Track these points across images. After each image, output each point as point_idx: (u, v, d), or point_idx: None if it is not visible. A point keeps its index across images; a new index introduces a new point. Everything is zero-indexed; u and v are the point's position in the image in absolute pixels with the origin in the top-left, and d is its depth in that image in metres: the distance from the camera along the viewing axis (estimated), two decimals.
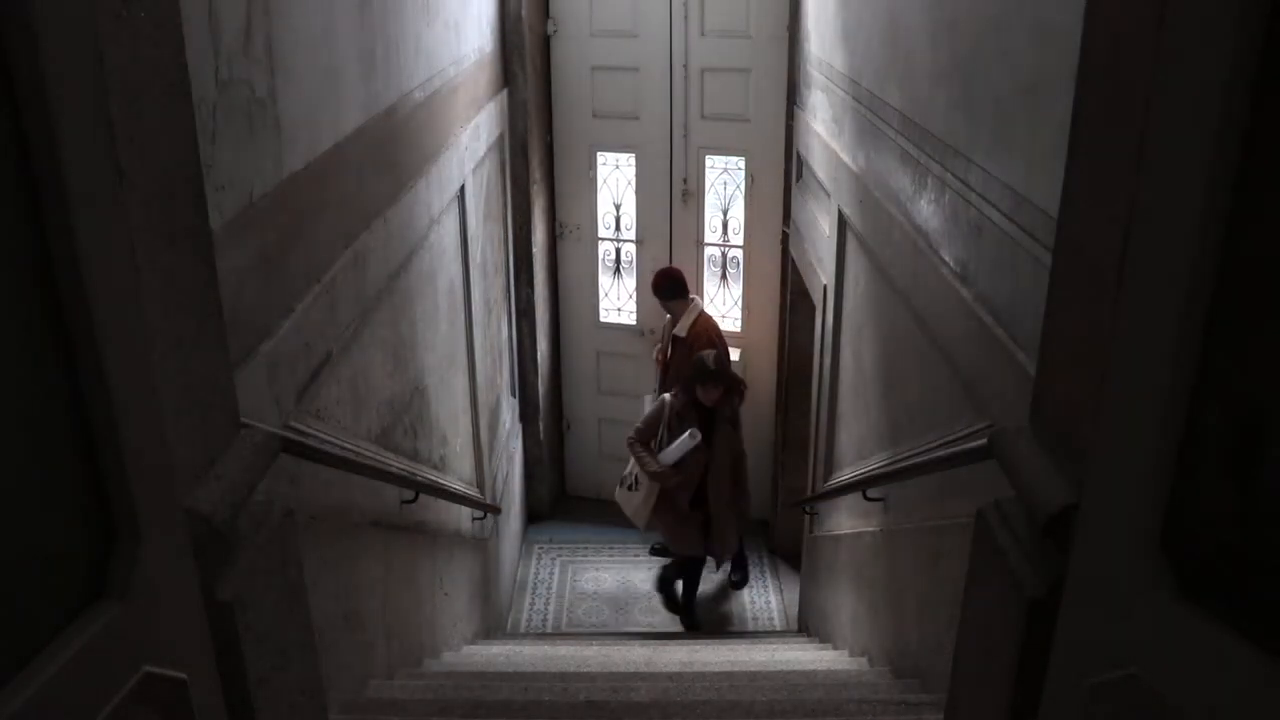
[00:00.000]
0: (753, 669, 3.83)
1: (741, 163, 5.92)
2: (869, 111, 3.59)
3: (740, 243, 6.13)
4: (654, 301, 5.76)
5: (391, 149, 3.06)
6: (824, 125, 4.57)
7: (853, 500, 3.87)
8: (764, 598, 5.96)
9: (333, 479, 2.42)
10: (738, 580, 5.99)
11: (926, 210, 2.85)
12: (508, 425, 5.75)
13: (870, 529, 3.73)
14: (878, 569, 3.61)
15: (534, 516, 6.65)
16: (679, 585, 5.70)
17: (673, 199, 6.09)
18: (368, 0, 2.79)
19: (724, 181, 6.04)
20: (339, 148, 2.50)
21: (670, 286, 5.57)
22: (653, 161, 6.04)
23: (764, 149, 5.74)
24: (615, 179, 6.19)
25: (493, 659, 4.18)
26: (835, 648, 4.39)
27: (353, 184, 2.66)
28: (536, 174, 5.85)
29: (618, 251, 6.36)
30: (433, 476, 3.64)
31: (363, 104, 2.74)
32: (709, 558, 5.39)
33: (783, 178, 5.67)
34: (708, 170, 6.03)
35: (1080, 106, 1.35)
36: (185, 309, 1.36)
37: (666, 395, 4.89)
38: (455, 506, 4.11)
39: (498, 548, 5.29)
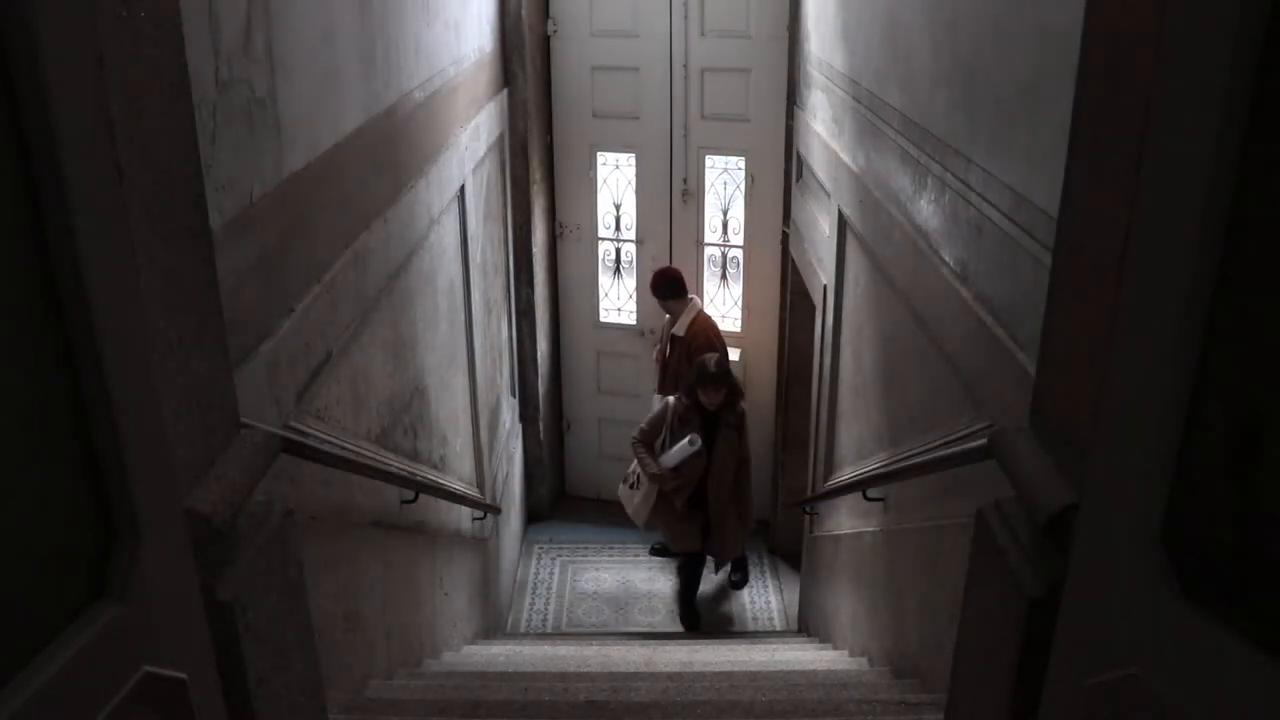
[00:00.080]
0: (753, 669, 3.83)
1: (741, 163, 5.92)
2: (869, 111, 3.59)
3: (740, 243, 6.13)
4: (654, 301, 5.76)
5: (391, 149, 3.06)
6: (824, 125, 4.57)
7: (853, 500, 3.87)
8: (764, 598, 5.96)
9: (333, 479, 2.42)
10: (738, 580, 5.99)
11: (926, 210, 2.85)
12: (508, 425, 5.75)
13: (870, 529, 3.73)
14: (878, 569, 3.61)
15: (534, 516, 6.65)
16: (687, 595, 5.71)
17: (673, 199, 6.09)
18: (368, 0, 2.79)
19: (724, 181, 6.04)
20: (339, 148, 2.51)
21: (669, 286, 5.57)
22: (653, 161, 6.04)
23: (764, 149, 5.73)
24: (615, 179, 6.19)
25: (493, 659, 4.18)
26: (835, 648, 4.39)
27: (353, 184, 2.66)
28: (536, 174, 5.85)
29: (618, 251, 6.36)
30: (433, 476, 3.64)
31: (363, 104, 2.74)
32: (709, 557, 5.39)
33: (783, 178, 5.67)
34: (708, 170, 6.03)
35: (1080, 106, 1.35)
36: (185, 309, 1.36)
37: (670, 398, 4.89)
38: (455, 506, 4.11)
39: (498, 548, 5.29)
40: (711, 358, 4.82)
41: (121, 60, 1.18)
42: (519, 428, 6.20)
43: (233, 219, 1.84)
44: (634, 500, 5.07)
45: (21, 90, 0.88)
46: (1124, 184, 1.14)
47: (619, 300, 6.48)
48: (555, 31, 5.84)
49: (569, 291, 6.51)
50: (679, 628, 5.65)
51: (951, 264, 2.61)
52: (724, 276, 6.28)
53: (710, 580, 5.83)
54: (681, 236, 6.17)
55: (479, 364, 4.58)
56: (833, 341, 4.37)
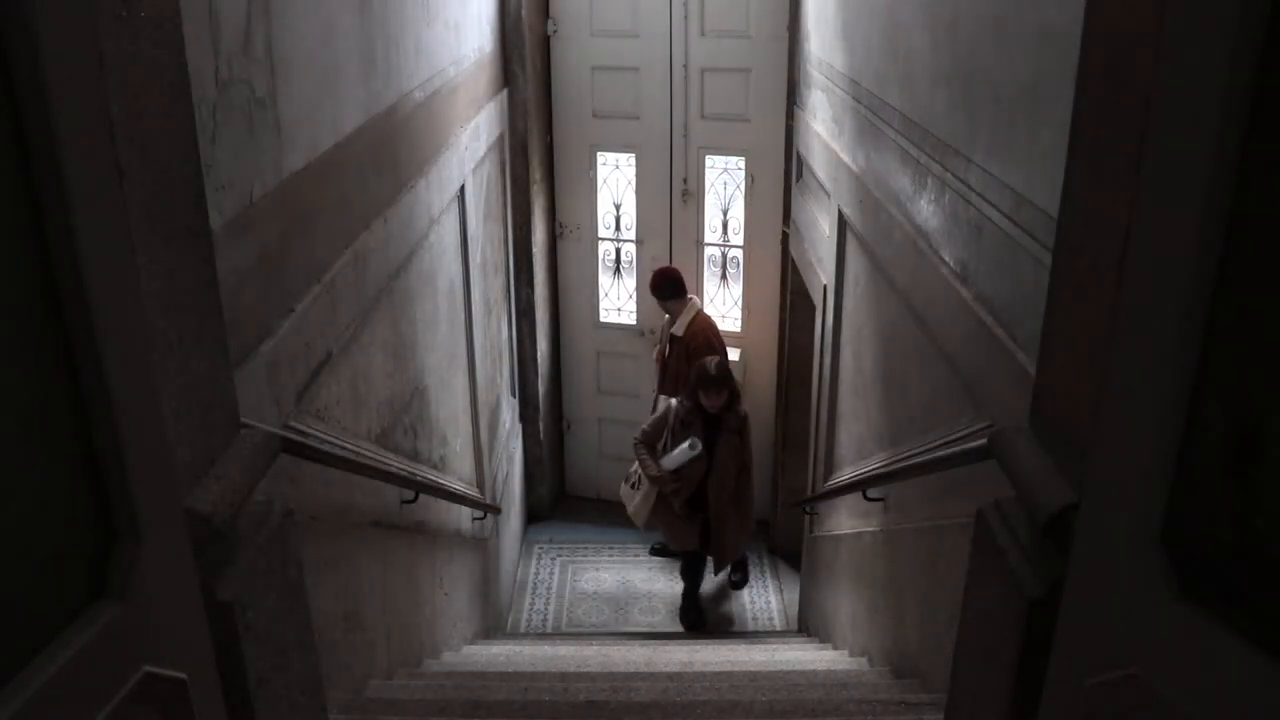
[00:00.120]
0: (753, 669, 3.83)
1: (741, 163, 5.93)
2: (869, 111, 3.59)
3: (740, 243, 6.13)
4: (654, 301, 5.76)
5: (391, 149, 3.06)
6: (824, 125, 4.57)
7: (853, 500, 3.87)
8: (764, 598, 5.96)
9: (333, 479, 2.42)
10: (738, 580, 5.99)
11: (926, 210, 2.85)
12: (508, 425, 5.75)
13: (870, 529, 3.73)
14: (878, 569, 3.61)
15: (534, 516, 6.65)
16: (685, 592, 5.70)
17: (673, 199, 6.09)
18: (368, 0, 2.79)
19: (724, 181, 6.04)
20: (339, 148, 2.51)
21: (668, 286, 5.57)
22: (653, 161, 6.04)
23: (764, 149, 5.74)
24: (615, 179, 6.19)
25: (493, 659, 4.18)
26: (835, 648, 4.39)
27: (353, 184, 2.66)
28: (536, 174, 5.85)
29: (618, 251, 6.36)
30: (433, 476, 3.64)
31: (363, 104, 2.74)
32: (709, 557, 5.38)
33: (783, 178, 5.67)
34: (708, 170, 6.03)
35: (1080, 106, 1.35)
36: (185, 309, 1.36)
37: (673, 401, 4.88)
38: (455, 506, 4.11)
39: (498, 548, 5.29)
40: (712, 361, 4.81)
41: (121, 60, 1.18)
42: (519, 428, 6.20)
43: (233, 219, 1.84)
44: (634, 500, 5.07)
45: (21, 90, 0.88)
46: (1124, 184, 1.14)
47: (619, 300, 6.48)
48: (555, 31, 5.84)
49: (569, 291, 6.52)
50: (679, 628, 5.65)
51: (951, 264, 2.61)
52: (724, 276, 6.28)
53: (710, 580, 5.83)
54: (681, 236, 6.17)
55: (479, 364, 4.58)
56: (833, 341, 4.37)
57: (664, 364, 5.74)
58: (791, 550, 5.97)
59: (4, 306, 0.89)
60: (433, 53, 3.63)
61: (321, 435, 2.35)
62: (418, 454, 3.47)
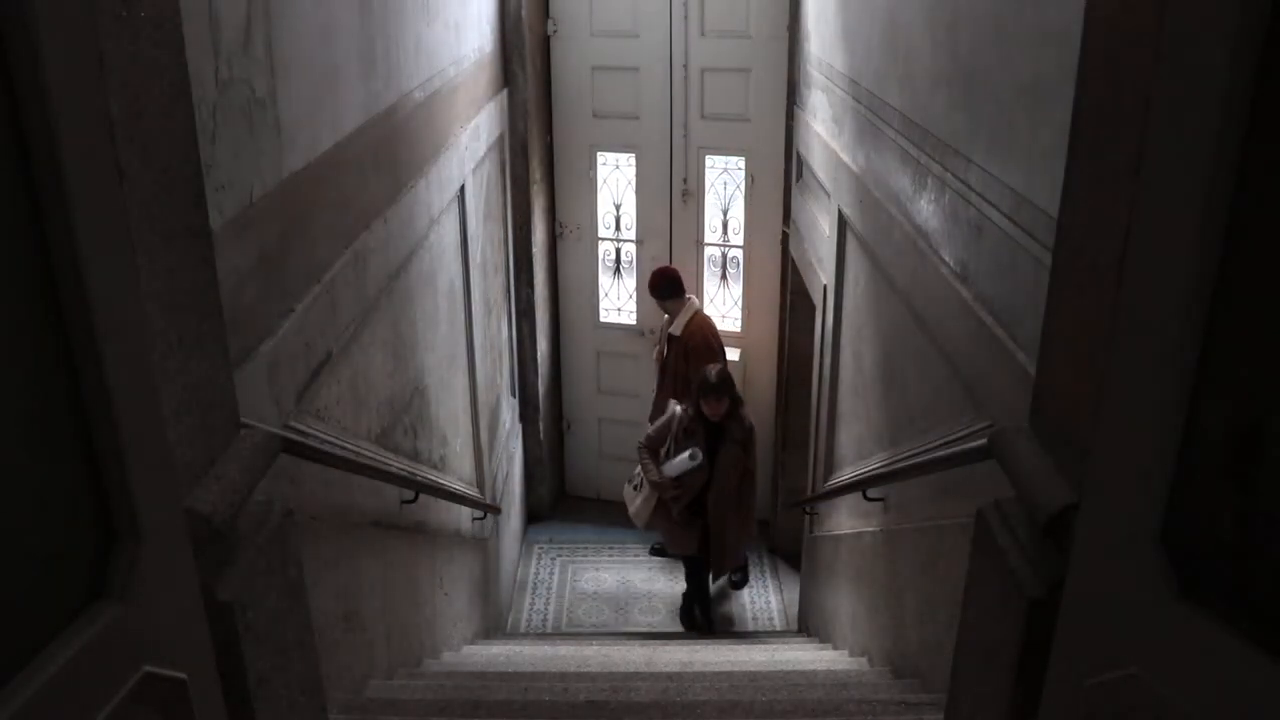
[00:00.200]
0: (753, 669, 3.83)
1: (741, 163, 5.93)
2: (869, 111, 3.59)
3: (740, 243, 6.13)
4: (654, 301, 5.76)
5: (391, 149, 3.06)
6: (824, 125, 4.57)
7: (853, 500, 3.87)
8: (764, 598, 5.96)
9: (333, 479, 2.42)
10: (738, 580, 5.99)
11: (926, 210, 2.85)
12: (508, 425, 5.75)
13: (870, 529, 3.73)
14: (878, 569, 3.61)
15: (534, 516, 6.65)
16: (687, 592, 5.70)
17: (673, 199, 6.09)
18: (368, 0, 2.79)
19: (724, 181, 6.04)
20: (339, 148, 2.50)
21: (666, 286, 5.56)
22: (653, 161, 6.04)
23: (764, 149, 5.74)
24: (615, 179, 6.19)
25: (493, 659, 4.18)
26: (835, 648, 4.39)
27: (353, 184, 2.66)
28: (536, 174, 5.85)
29: (618, 251, 6.36)
30: (433, 476, 3.64)
31: (363, 104, 2.74)
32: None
33: (783, 178, 5.67)
34: (708, 170, 6.03)
35: (1080, 106, 1.35)
36: (185, 309, 1.36)
37: (677, 408, 4.87)
38: (455, 506, 4.11)
39: (498, 548, 5.29)
40: (713, 368, 4.79)
41: (121, 60, 1.18)
42: (519, 428, 6.20)
43: (233, 219, 1.84)
44: (635, 502, 5.06)
45: (21, 90, 0.88)
46: (1124, 184, 1.14)
47: (619, 300, 6.48)
48: (555, 31, 5.85)
49: (569, 291, 6.52)
50: (679, 628, 5.65)
51: (951, 264, 2.61)
52: (724, 276, 6.28)
53: (710, 581, 5.83)
54: (681, 236, 6.17)
55: (479, 364, 4.58)
56: (833, 341, 4.37)
57: (663, 364, 5.74)
58: (791, 550, 5.97)
59: (4, 306, 0.89)
60: (433, 53, 3.63)
61: (321, 435, 2.35)
62: (418, 454, 3.47)
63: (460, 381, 4.30)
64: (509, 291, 5.70)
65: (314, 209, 2.33)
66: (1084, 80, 1.33)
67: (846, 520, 4.21)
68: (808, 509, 5.09)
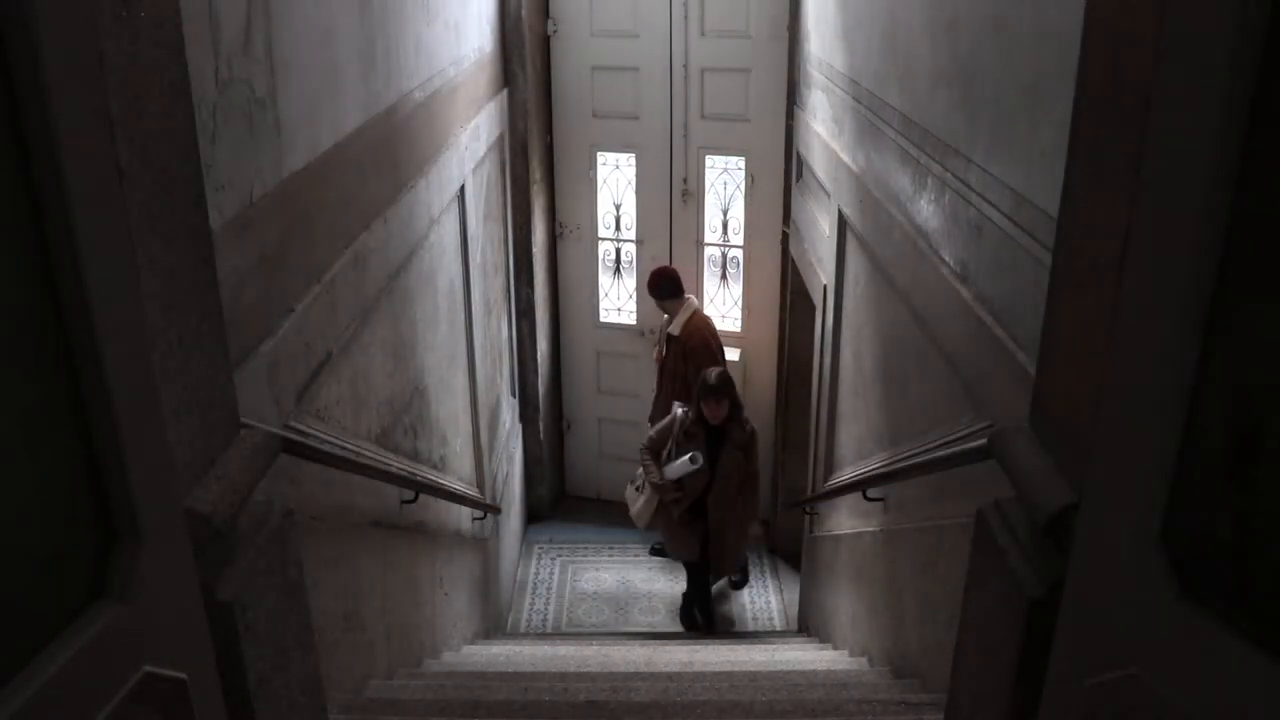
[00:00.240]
0: (753, 669, 3.83)
1: (741, 163, 5.93)
2: (869, 111, 3.59)
3: (740, 243, 6.13)
4: (654, 301, 5.76)
5: (391, 149, 3.06)
6: (824, 125, 4.57)
7: (853, 500, 3.87)
8: (764, 598, 5.96)
9: (333, 479, 2.42)
10: (738, 580, 5.99)
11: (926, 210, 2.85)
12: (508, 425, 5.75)
13: (870, 529, 3.73)
14: (878, 569, 3.61)
15: (534, 516, 6.65)
16: (687, 592, 5.70)
17: (673, 199, 6.09)
18: (368, 0, 2.79)
19: (724, 181, 6.04)
20: (339, 148, 2.50)
21: (665, 286, 5.55)
22: (653, 161, 6.04)
23: (764, 149, 5.74)
24: (615, 179, 6.19)
25: (493, 659, 4.18)
26: (835, 648, 4.39)
27: (353, 184, 2.66)
28: (536, 174, 5.85)
29: (618, 251, 6.36)
30: (433, 476, 3.64)
31: (363, 104, 2.74)
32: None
33: (783, 178, 5.67)
34: (708, 170, 6.03)
35: (1080, 106, 1.35)
36: (185, 309, 1.36)
37: (679, 410, 4.86)
38: (455, 506, 4.11)
39: (498, 548, 5.29)
40: (713, 371, 4.78)
41: (121, 60, 1.18)
42: (519, 428, 6.20)
43: (233, 219, 1.84)
44: (637, 503, 5.06)
45: (21, 90, 0.88)
46: (1124, 184, 1.14)
47: (619, 300, 6.48)
48: (555, 31, 5.85)
49: (569, 291, 6.52)
50: (679, 627, 5.65)
51: (951, 264, 2.61)
52: (724, 276, 6.28)
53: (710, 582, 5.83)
54: (681, 236, 6.17)
55: (479, 364, 4.58)
56: (833, 341, 4.37)
57: (662, 364, 5.74)
58: (791, 550, 5.97)
59: (4, 306, 0.89)
60: (433, 53, 3.63)
61: (322, 435, 2.35)
62: (418, 454, 3.47)
63: (460, 381, 4.30)
64: (509, 291, 5.70)
65: (314, 209, 2.33)
66: (1084, 80, 1.33)
67: (846, 520, 4.21)
68: (808, 509, 5.09)
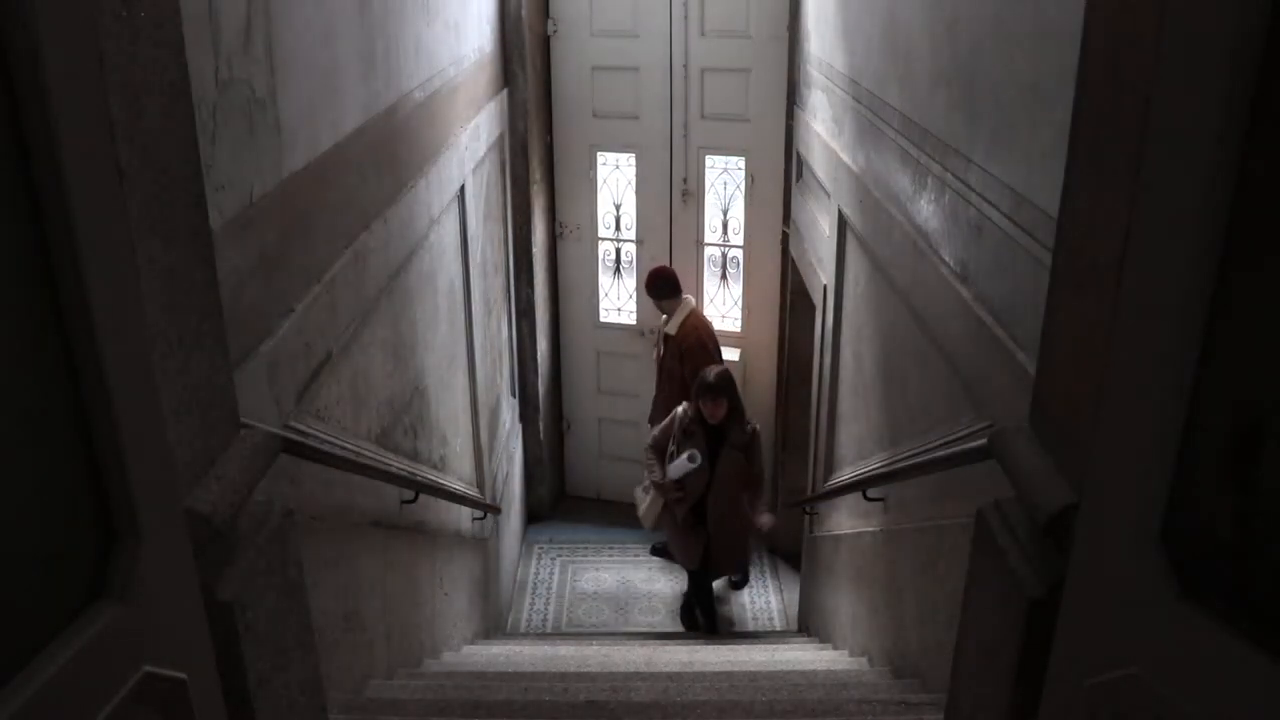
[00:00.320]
0: (753, 669, 3.83)
1: (741, 163, 5.93)
2: (869, 111, 3.59)
3: (740, 243, 6.13)
4: (652, 301, 5.76)
5: (391, 149, 3.06)
6: (824, 125, 4.57)
7: (853, 500, 3.87)
8: (764, 598, 5.96)
9: (333, 479, 2.42)
10: (738, 580, 5.99)
11: (926, 210, 2.85)
12: (508, 425, 5.75)
13: (870, 529, 3.73)
14: (878, 569, 3.61)
15: (534, 516, 6.65)
16: (687, 592, 5.69)
17: (673, 199, 6.09)
18: (368, 0, 2.79)
19: (724, 181, 6.04)
20: (339, 148, 2.51)
21: (662, 285, 5.55)
22: (653, 161, 6.04)
23: (764, 149, 5.74)
24: (615, 179, 6.19)
25: (493, 659, 4.18)
26: (835, 648, 4.39)
27: (353, 184, 2.66)
28: (536, 174, 5.85)
29: (618, 251, 6.36)
30: (433, 476, 3.64)
31: (363, 104, 2.74)
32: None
33: (783, 178, 5.67)
34: (708, 170, 6.03)
35: (1080, 106, 1.35)
36: (185, 309, 1.36)
37: (679, 409, 4.86)
38: (455, 506, 4.11)
39: (498, 548, 5.29)
40: (712, 370, 4.76)
41: (121, 60, 1.18)
42: (519, 428, 6.20)
43: (233, 219, 1.84)
44: (644, 503, 5.06)
45: (21, 90, 0.88)
46: (1124, 184, 1.14)
47: (619, 300, 6.48)
48: (555, 31, 5.85)
49: (569, 291, 6.52)
50: (679, 627, 5.65)
51: (951, 264, 2.61)
52: (724, 276, 6.28)
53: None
54: (681, 236, 6.17)
55: (479, 364, 4.58)
56: (833, 341, 4.37)
57: (660, 364, 5.74)
58: (791, 550, 5.96)
59: (4, 306, 0.89)
60: (433, 53, 3.63)
61: (321, 435, 2.35)
62: (418, 454, 3.47)
63: (460, 381, 4.30)
64: (509, 291, 5.70)
65: (314, 209, 2.33)
66: (1084, 80, 1.33)
67: (846, 520, 4.21)
68: (808, 509, 5.09)
